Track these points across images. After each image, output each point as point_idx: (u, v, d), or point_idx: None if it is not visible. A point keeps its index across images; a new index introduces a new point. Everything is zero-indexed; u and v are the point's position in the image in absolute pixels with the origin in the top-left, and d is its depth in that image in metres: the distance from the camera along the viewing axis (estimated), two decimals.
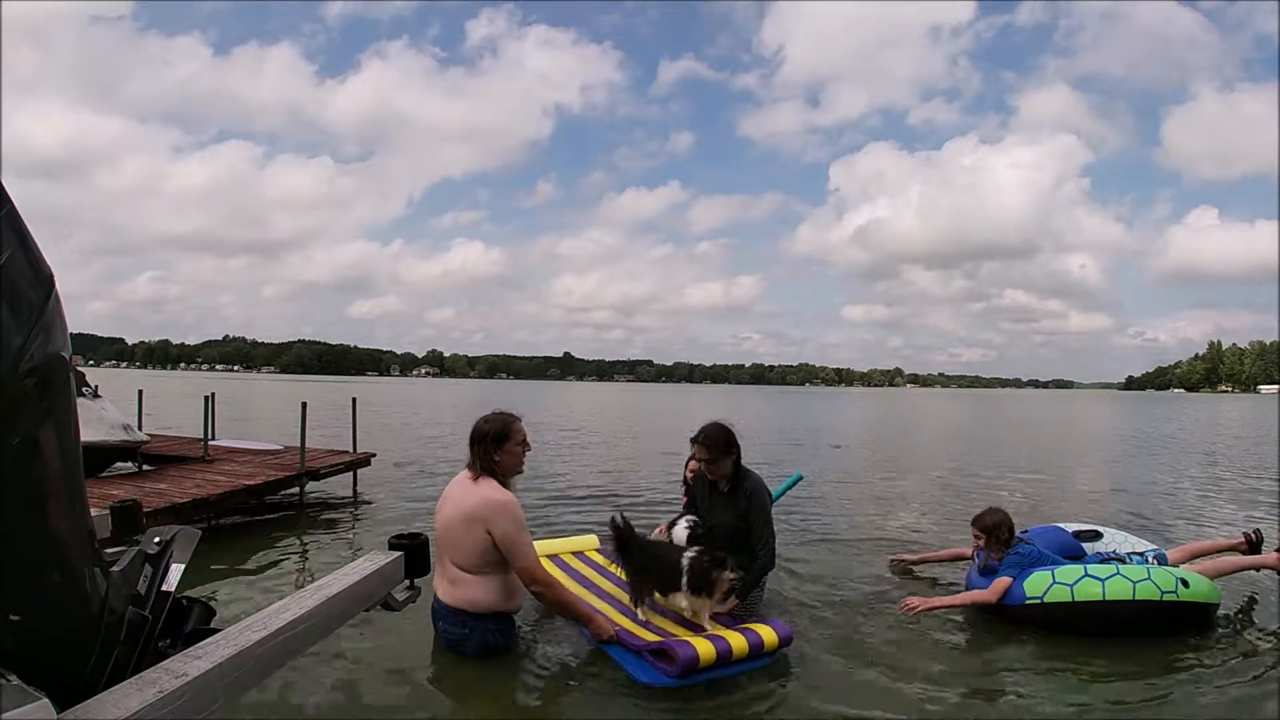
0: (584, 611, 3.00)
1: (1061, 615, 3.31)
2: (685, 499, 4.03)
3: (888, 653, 3.15)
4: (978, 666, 3.07)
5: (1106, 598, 3.24)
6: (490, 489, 2.85)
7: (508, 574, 2.87)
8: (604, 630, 2.93)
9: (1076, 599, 3.28)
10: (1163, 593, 3.23)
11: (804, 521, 6.03)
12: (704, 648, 2.71)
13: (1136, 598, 3.22)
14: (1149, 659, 3.06)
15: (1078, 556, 3.76)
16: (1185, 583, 3.28)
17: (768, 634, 2.86)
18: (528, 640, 3.12)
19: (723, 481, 3.58)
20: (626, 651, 2.87)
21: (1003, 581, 3.44)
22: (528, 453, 3.05)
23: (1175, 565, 3.60)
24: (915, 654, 3.14)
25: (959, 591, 3.78)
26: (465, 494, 2.87)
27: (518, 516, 2.83)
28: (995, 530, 3.60)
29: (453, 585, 2.88)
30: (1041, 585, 3.36)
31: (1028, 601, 3.37)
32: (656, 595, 3.16)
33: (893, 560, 4.59)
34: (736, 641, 2.78)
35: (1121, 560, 3.61)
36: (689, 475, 4.06)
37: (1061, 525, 4.22)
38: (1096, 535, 4.00)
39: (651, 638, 2.90)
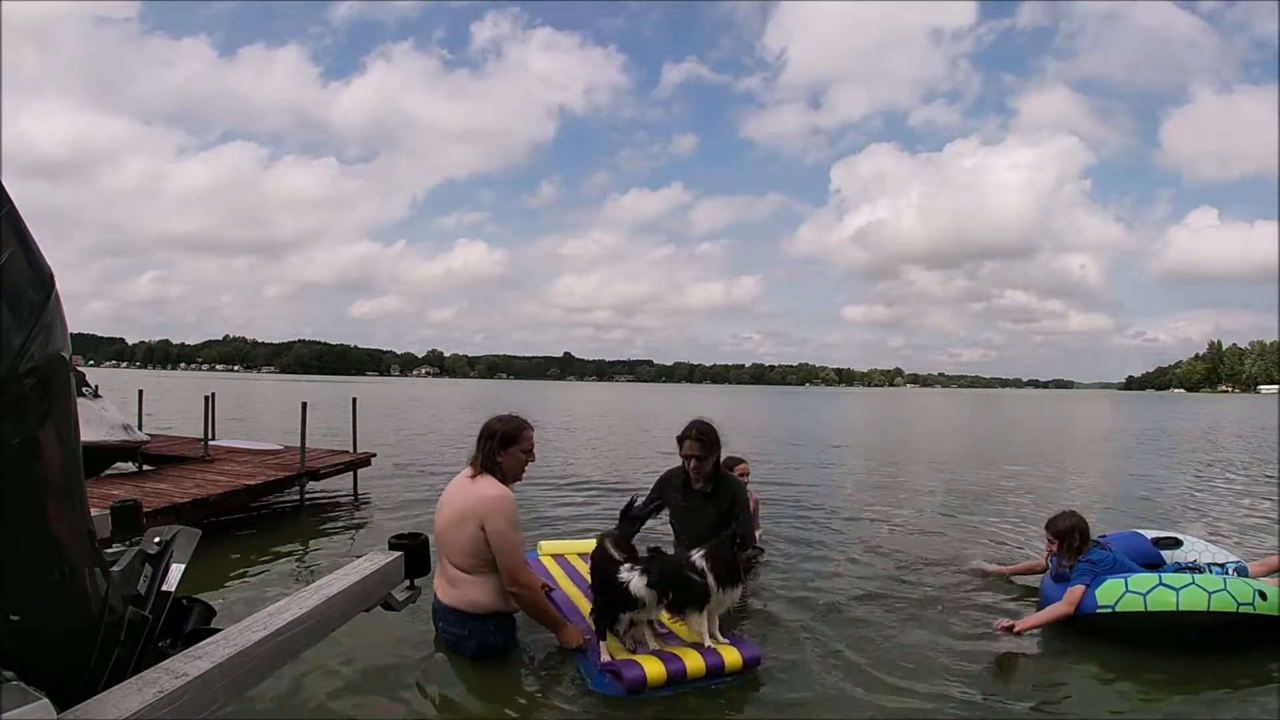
0: (556, 619, 2.98)
1: (1133, 625, 3.19)
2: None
3: (923, 657, 3.12)
4: (1038, 679, 2.98)
5: (1180, 608, 3.11)
6: (487, 485, 2.85)
7: None
8: (574, 639, 2.91)
9: (1150, 609, 3.15)
10: (1239, 605, 3.08)
11: (812, 521, 6.03)
12: (653, 669, 2.64)
13: (1211, 609, 3.08)
14: (1217, 673, 2.95)
15: (1156, 565, 3.64)
16: (1263, 595, 3.12)
17: (731, 656, 2.75)
18: (528, 640, 3.11)
19: (703, 482, 3.50)
20: (588, 659, 2.84)
21: (1076, 591, 3.31)
22: (530, 463, 3.04)
23: (1255, 578, 3.44)
24: (966, 660, 3.07)
25: (1034, 599, 3.73)
26: (464, 492, 2.87)
27: (512, 513, 2.82)
28: (1067, 536, 3.49)
29: (451, 586, 2.87)
30: (1114, 594, 3.24)
31: (1099, 610, 3.25)
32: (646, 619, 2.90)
33: (982, 572, 4.36)
34: (692, 662, 2.69)
35: (1199, 570, 3.49)
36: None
37: (1141, 532, 4.14)
38: (1176, 543, 3.89)
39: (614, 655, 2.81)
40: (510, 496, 2.85)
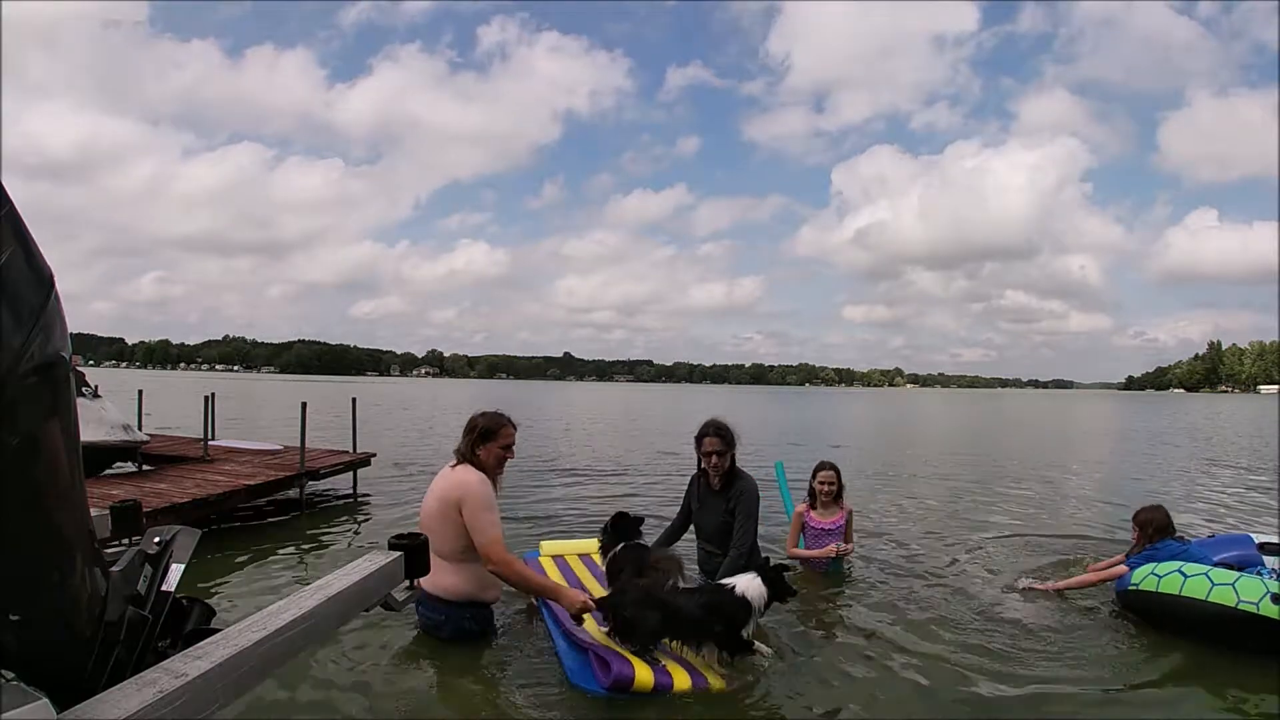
0: (548, 586, 3.06)
1: (1144, 603, 3.42)
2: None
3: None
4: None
5: (1182, 593, 3.22)
6: (464, 472, 3.00)
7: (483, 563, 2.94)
8: (574, 600, 2.88)
9: (1160, 590, 3.33)
10: (1239, 601, 3.03)
11: None
12: (643, 676, 2.60)
13: (1210, 599, 3.12)
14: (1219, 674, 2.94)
15: (1241, 566, 3.54)
16: (1276, 599, 2.99)
17: (716, 682, 2.70)
18: (512, 633, 3.15)
19: (718, 478, 3.57)
20: (573, 649, 2.83)
21: (1121, 568, 3.63)
22: (509, 459, 3.15)
23: None
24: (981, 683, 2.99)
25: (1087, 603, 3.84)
26: (444, 481, 3.03)
27: (486, 495, 2.93)
28: (1143, 526, 3.78)
29: (432, 572, 2.92)
30: (1143, 574, 3.47)
31: (1129, 588, 3.51)
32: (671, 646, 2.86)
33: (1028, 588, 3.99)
34: (680, 680, 2.65)
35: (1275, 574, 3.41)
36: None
37: (1254, 535, 4.17)
38: None
39: (606, 643, 2.81)
40: (484, 480, 2.98)
